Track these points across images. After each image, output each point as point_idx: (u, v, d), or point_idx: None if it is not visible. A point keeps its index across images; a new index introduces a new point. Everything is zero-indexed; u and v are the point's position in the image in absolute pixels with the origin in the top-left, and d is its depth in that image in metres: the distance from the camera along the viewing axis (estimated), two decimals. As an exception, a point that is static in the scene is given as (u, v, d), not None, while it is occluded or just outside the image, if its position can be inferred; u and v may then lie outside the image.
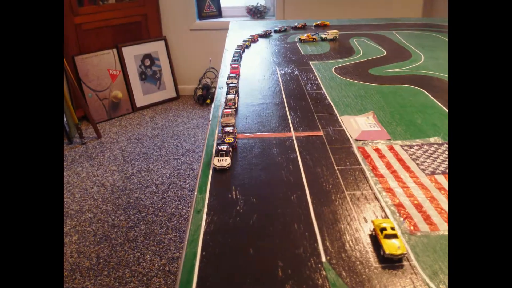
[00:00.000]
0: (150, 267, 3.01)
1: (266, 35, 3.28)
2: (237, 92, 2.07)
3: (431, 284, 0.99)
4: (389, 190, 1.36)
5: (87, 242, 3.26)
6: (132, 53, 5.68)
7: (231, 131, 1.67)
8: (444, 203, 1.29)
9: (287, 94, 2.15)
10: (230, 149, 1.56)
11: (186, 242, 1.15)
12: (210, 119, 1.86)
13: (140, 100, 5.80)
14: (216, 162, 1.47)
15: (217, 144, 1.60)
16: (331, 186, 1.39)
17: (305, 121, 1.84)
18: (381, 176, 1.44)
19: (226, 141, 1.59)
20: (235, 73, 2.33)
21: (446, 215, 1.24)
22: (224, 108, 1.88)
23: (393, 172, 1.46)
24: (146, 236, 3.31)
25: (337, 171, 1.47)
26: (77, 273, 2.96)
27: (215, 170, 1.46)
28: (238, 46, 2.90)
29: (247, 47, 2.94)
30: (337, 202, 1.30)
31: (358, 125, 1.79)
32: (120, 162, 4.41)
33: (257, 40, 3.11)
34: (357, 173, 1.46)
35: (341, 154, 1.58)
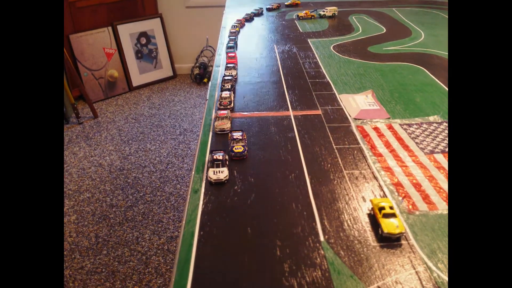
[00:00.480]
0: (149, 246, 3.03)
1: (250, 19, 3.04)
2: (233, 88, 1.84)
3: (429, 263, 0.99)
4: (388, 169, 1.35)
5: (85, 222, 3.27)
6: (128, 31, 5.59)
7: (240, 137, 1.42)
8: (443, 182, 1.29)
9: (285, 72, 2.12)
10: (227, 157, 1.34)
11: (184, 222, 1.15)
12: (207, 98, 1.84)
13: (137, 79, 5.74)
14: (212, 174, 1.25)
15: (211, 152, 1.36)
16: (329, 165, 1.38)
17: (303, 99, 1.82)
18: (380, 155, 1.43)
19: (235, 150, 1.34)
20: (232, 63, 2.11)
21: (445, 194, 1.23)
22: (218, 109, 1.65)
23: (392, 151, 1.45)
24: (144, 216, 3.33)
25: (336, 150, 1.46)
26: (76, 253, 2.98)
27: (210, 184, 1.24)
28: (231, 32, 2.67)
29: (239, 31, 2.78)
30: (336, 181, 1.30)
31: (357, 103, 1.77)
32: (118, 141, 4.39)
33: (244, 25, 2.96)
34: (355, 152, 1.45)
35: (340, 133, 1.57)
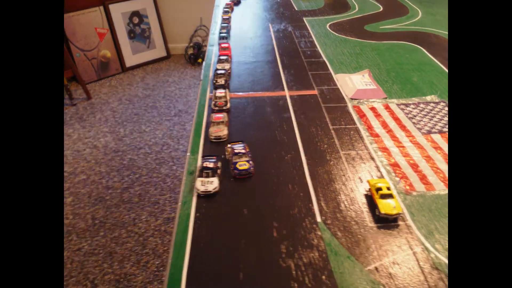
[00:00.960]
0: (146, 227, 3.04)
1: (238, 3, 2.88)
2: (227, 84, 1.64)
3: (427, 243, 0.99)
4: (385, 149, 1.34)
5: (82, 204, 3.26)
6: (120, 10, 5.48)
7: (243, 150, 1.20)
8: (440, 162, 1.28)
9: (280, 52, 2.08)
10: (219, 165, 1.18)
11: (179, 204, 1.14)
12: (202, 78, 1.81)
13: (130, 59, 5.66)
14: (199, 185, 1.10)
15: (203, 157, 1.21)
16: (326, 146, 1.37)
17: (299, 79, 1.80)
18: (377, 135, 1.42)
19: (240, 167, 1.13)
20: (225, 55, 1.91)
21: (442, 175, 1.23)
22: (213, 111, 1.46)
23: (389, 131, 1.43)
24: (141, 197, 3.32)
25: (332, 131, 1.44)
26: (73, 235, 2.98)
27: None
28: (223, 19, 2.46)
29: (231, 17, 2.63)
30: (332, 162, 1.29)
31: (353, 83, 1.75)
32: (112, 123, 4.35)
33: (233, 10, 2.83)
34: (352, 132, 1.44)
35: (336, 113, 1.55)
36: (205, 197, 1.13)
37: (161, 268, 2.66)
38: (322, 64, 1.91)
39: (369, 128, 1.43)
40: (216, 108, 1.48)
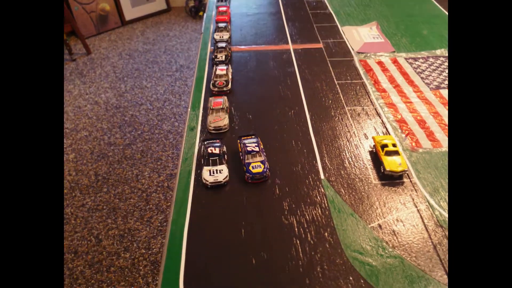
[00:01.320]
0: (149, 183, 3.05)
1: None
2: (228, 60, 1.39)
3: (432, 201, 0.97)
4: (391, 105, 1.30)
5: (84, 160, 3.26)
6: (117, -40, 5.26)
7: (257, 147, 1.00)
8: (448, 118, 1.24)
9: (284, 3, 1.99)
10: (224, 149, 1.03)
11: (180, 160, 1.11)
12: (202, 31, 1.74)
13: (129, 12, 5.50)
14: (207, 175, 0.96)
15: (204, 142, 1.05)
16: (330, 101, 1.32)
17: (304, 32, 1.72)
18: (384, 90, 1.37)
19: (253, 170, 0.95)
20: (224, 21, 1.66)
21: (449, 131, 1.19)
22: (212, 94, 1.25)
23: (396, 86, 1.39)
24: (143, 154, 3.32)
25: (337, 86, 1.39)
26: (77, 191, 3.01)
27: (206, 187, 0.97)
28: None
29: None
30: (337, 118, 1.25)
31: (360, 36, 1.67)
32: (112, 79, 4.28)
33: None
34: (358, 87, 1.39)
35: (342, 67, 1.49)
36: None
37: (165, 224, 2.69)
38: (328, 16, 1.82)
39: (376, 83, 1.38)
40: (216, 89, 1.25)
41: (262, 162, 0.99)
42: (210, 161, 0.99)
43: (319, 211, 0.94)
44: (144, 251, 2.47)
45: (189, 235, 0.89)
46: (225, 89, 1.25)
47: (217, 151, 1.01)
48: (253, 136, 1.05)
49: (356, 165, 1.07)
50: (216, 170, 0.98)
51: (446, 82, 1.39)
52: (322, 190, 1.00)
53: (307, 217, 0.93)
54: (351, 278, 0.80)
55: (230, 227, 0.90)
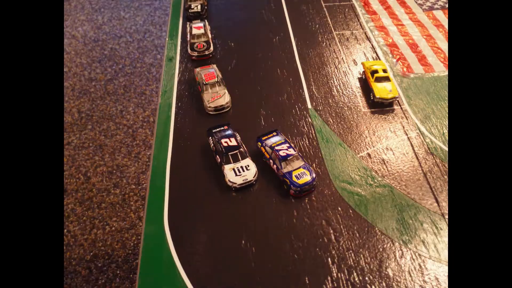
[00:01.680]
0: (134, 119, 2.99)
1: None
2: (205, 11, 1.06)
3: (422, 128, 0.94)
4: (382, 28, 1.22)
5: (66, 98, 3.16)
6: None
7: (292, 150, 0.84)
8: (441, 41, 1.18)
9: None
10: (239, 138, 0.87)
11: (159, 93, 1.05)
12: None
13: None
14: (232, 176, 0.80)
15: (211, 131, 0.88)
16: (317, 25, 1.24)
17: (289, -50, 1.59)
18: (374, 13, 1.28)
19: (298, 181, 0.82)
20: None
21: (443, 55, 1.14)
22: (191, 59, 1.00)
23: (387, 8, 1.30)
24: (126, 89, 3.22)
25: (325, 9, 1.30)
26: (60, 128, 2.94)
27: (232, 189, 0.83)
28: None
29: None
30: (324, 43, 1.18)
31: (350, -47, 1.55)
32: (88, 10, 4.05)
33: None
34: (347, 10, 1.30)
35: (330, -12, 1.39)
36: (186, 83, 1.04)
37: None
38: None
39: (366, 4, 1.29)
40: (195, 54, 1.09)
41: (304, 167, 0.87)
42: (230, 157, 0.87)
43: (307, 142, 0.91)
44: (134, 186, 2.48)
45: (171, 171, 0.86)
46: (206, 52, 1.07)
47: (233, 142, 0.89)
48: (275, 133, 0.91)
49: (344, 93, 1.02)
50: (242, 167, 0.86)
51: (440, 2, 1.30)
52: (310, 120, 0.96)
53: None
54: (339, 208, 0.79)
55: (212, 159, 0.87)
